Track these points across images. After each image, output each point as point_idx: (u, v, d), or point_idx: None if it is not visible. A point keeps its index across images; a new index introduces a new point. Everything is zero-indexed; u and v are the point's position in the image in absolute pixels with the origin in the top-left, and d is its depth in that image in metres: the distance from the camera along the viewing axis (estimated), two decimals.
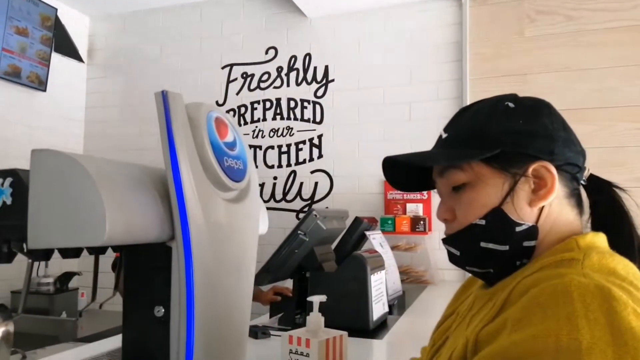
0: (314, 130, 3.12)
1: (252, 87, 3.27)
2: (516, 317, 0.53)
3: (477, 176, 0.66)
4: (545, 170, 0.65)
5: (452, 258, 0.71)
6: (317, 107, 3.13)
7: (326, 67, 3.13)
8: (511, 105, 0.68)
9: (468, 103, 0.88)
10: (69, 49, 3.49)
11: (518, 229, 0.64)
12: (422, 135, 2.84)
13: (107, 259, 0.97)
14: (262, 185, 3.16)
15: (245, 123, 3.26)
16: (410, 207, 2.81)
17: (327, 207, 2.97)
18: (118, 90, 3.60)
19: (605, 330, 0.47)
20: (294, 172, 3.15)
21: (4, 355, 0.89)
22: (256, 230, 0.97)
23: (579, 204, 0.69)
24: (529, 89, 2.61)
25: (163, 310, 0.77)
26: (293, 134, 3.17)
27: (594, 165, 0.70)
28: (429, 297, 2.29)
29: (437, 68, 2.90)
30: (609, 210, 0.70)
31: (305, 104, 3.16)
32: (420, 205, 2.80)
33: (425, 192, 2.81)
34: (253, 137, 3.23)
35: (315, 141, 3.12)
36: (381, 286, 1.68)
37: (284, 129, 3.19)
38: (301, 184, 3.13)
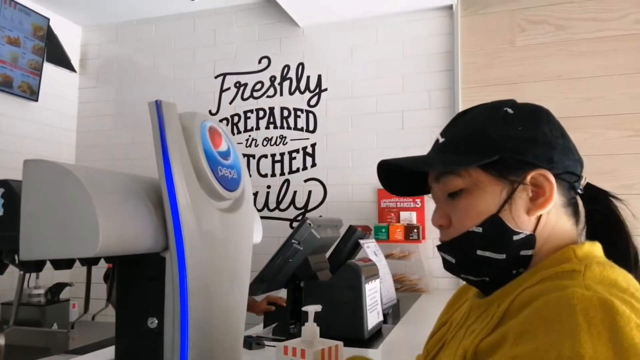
0: (307, 139, 3.13)
1: (245, 96, 3.28)
2: (518, 330, 0.52)
3: (474, 183, 0.65)
4: (543, 179, 0.64)
5: (447, 265, 0.70)
6: (310, 116, 3.14)
7: (319, 77, 3.14)
8: (510, 111, 0.67)
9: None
10: (61, 58, 3.48)
11: (515, 237, 0.63)
12: (414, 143, 2.86)
13: (100, 270, 0.96)
14: (255, 194, 3.15)
15: (239, 132, 3.26)
16: (403, 215, 2.82)
17: (320, 216, 2.97)
18: (110, 100, 3.59)
19: (608, 346, 0.47)
20: (287, 180, 3.15)
21: None
22: (250, 240, 0.97)
23: (575, 213, 0.68)
24: (521, 98, 2.61)
25: (156, 321, 0.76)
26: (286, 142, 3.17)
27: (585, 173, 0.70)
28: (423, 305, 2.29)
29: (429, 77, 2.92)
30: (605, 219, 0.69)
31: (299, 112, 3.16)
32: (414, 214, 2.80)
33: (418, 201, 2.82)
34: (246, 146, 3.23)
35: (309, 150, 3.12)
36: (376, 295, 1.68)
37: (277, 137, 3.19)
38: (295, 192, 3.13)
